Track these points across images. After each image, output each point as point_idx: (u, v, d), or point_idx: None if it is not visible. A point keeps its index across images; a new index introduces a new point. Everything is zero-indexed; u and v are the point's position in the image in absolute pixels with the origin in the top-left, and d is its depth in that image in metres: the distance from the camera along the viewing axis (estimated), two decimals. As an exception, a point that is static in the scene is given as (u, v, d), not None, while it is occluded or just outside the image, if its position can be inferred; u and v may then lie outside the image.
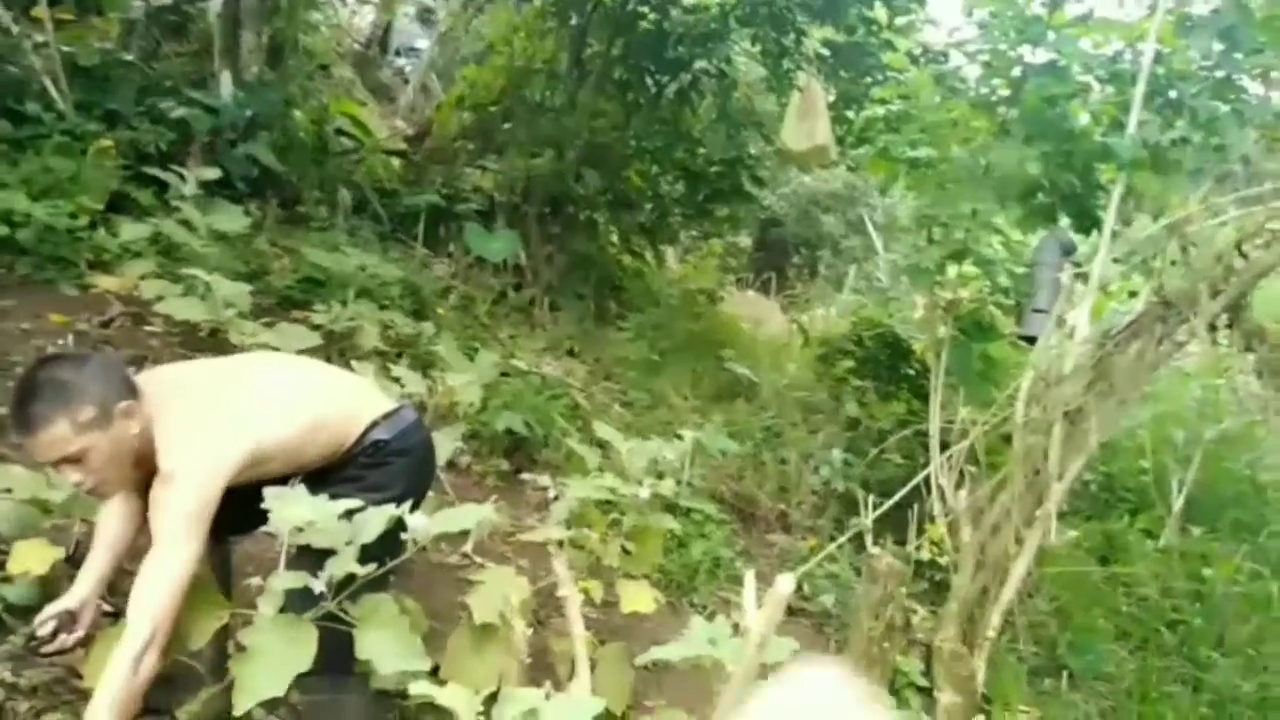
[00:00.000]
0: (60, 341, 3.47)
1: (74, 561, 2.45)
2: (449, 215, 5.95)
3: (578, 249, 6.40)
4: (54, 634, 2.10)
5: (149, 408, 1.95)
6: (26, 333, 3.50)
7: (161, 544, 1.85)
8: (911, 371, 5.44)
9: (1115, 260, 3.92)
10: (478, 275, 5.65)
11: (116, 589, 2.29)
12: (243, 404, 2.05)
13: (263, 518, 1.94)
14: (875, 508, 3.94)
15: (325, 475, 2.17)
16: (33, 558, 2.31)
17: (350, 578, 1.90)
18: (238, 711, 1.71)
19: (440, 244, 5.85)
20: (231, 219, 4.18)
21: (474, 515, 2.17)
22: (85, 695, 2.19)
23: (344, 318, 4.10)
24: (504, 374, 4.60)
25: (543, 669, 2.85)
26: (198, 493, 1.88)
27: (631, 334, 5.93)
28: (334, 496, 1.97)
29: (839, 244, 9.46)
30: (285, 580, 1.87)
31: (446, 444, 3.28)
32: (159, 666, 1.84)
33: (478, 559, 3.50)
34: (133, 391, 1.92)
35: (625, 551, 3.14)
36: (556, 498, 3.20)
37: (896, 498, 3.91)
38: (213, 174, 4.39)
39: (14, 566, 2.28)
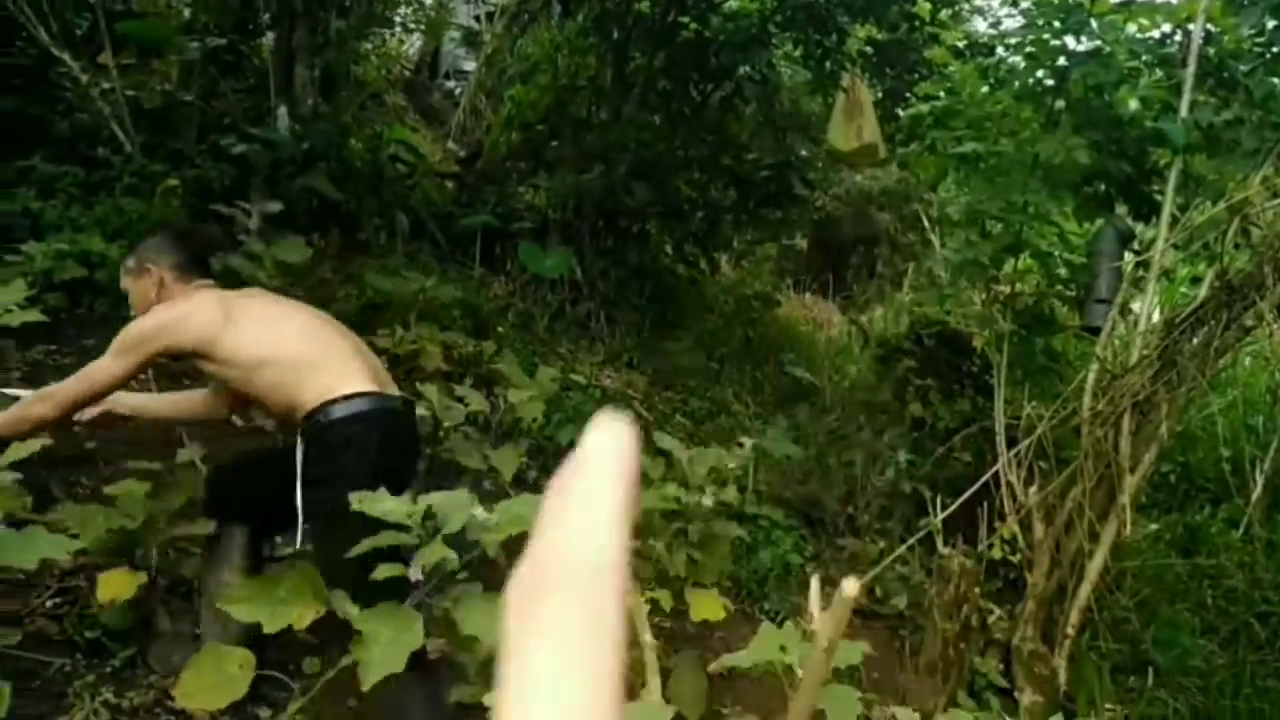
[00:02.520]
0: (141, 377, 3.60)
1: (156, 585, 2.55)
2: (504, 234, 6.04)
3: (631, 261, 6.44)
4: None
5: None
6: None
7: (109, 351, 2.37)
8: (974, 368, 5.37)
9: (1175, 246, 3.85)
10: (534, 292, 5.72)
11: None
12: (218, 324, 2.40)
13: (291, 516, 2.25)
14: (944, 507, 3.90)
15: (286, 461, 2.32)
16: (119, 585, 2.40)
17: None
18: (366, 686, 1.88)
19: (497, 263, 5.94)
20: (294, 250, 4.30)
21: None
22: (181, 715, 2.29)
23: (407, 340, 4.20)
24: (565, 388, 4.65)
25: (617, 679, 2.88)
26: (143, 335, 2.36)
27: (689, 343, 5.95)
28: (306, 490, 2.25)
29: (896, 241, 9.36)
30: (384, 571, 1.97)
31: (511, 460, 3.34)
32: (44, 424, 2.35)
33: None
34: (172, 267, 2.49)
35: (692, 560, 3.15)
36: (623, 509, 3.22)
37: (965, 496, 3.86)
38: (275, 207, 4.52)
39: (103, 595, 2.38)
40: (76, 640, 2.48)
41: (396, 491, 2.27)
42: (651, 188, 6.46)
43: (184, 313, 2.42)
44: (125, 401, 2.57)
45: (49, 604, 2.57)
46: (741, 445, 3.62)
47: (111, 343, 2.38)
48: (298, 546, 2.33)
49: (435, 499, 2.06)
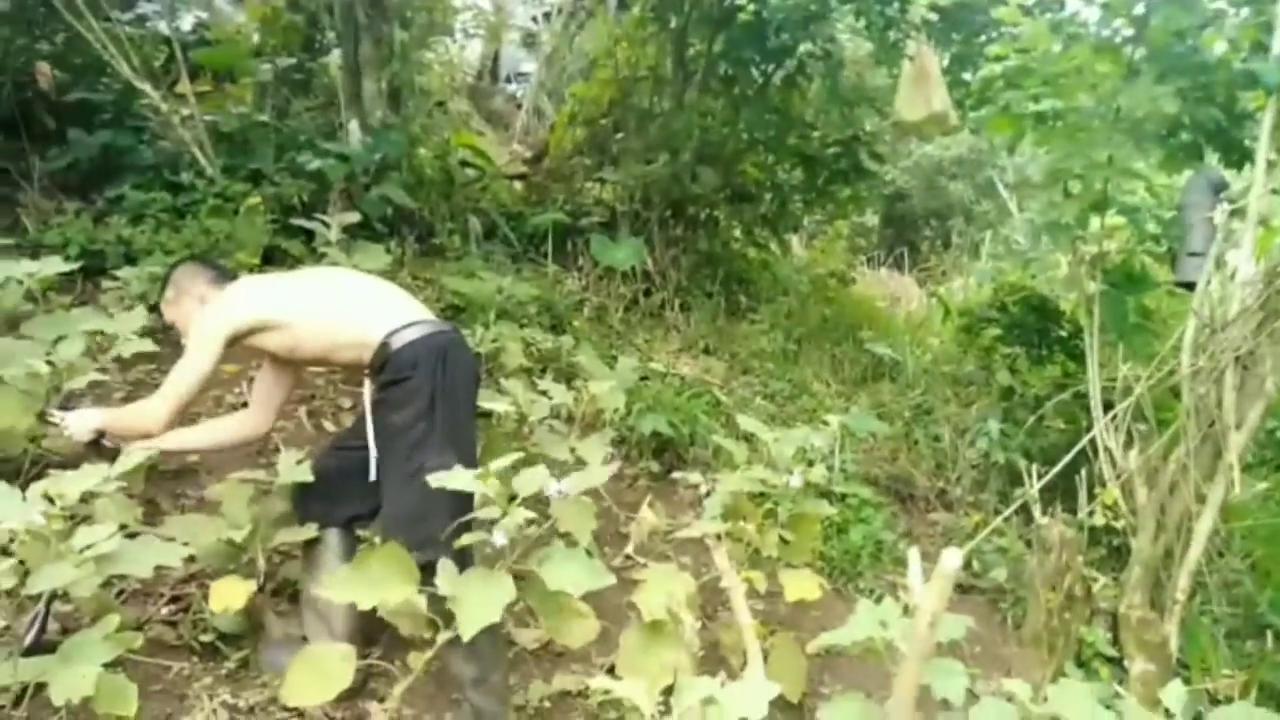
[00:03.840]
0: (237, 390, 3.73)
1: (265, 590, 2.64)
2: (574, 230, 6.08)
3: (701, 248, 6.43)
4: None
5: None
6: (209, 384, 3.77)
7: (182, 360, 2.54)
8: (1063, 332, 5.22)
9: (1275, 191, 3.67)
10: (608, 285, 5.75)
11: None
12: (268, 293, 2.60)
13: (378, 502, 2.44)
14: (1039, 476, 3.80)
15: (374, 401, 2.50)
16: (231, 594, 2.48)
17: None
18: (467, 636, 2.09)
19: (569, 259, 5.98)
20: (374, 258, 4.39)
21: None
22: (296, 713, 2.36)
23: (488, 339, 4.26)
24: (643, 378, 4.67)
25: (715, 662, 2.88)
26: (208, 333, 2.50)
27: (765, 326, 5.91)
28: (379, 425, 2.46)
29: (970, 210, 9.14)
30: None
31: (597, 450, 3.36)
32: (148, 436, 2.53)
33: (640, 559, 3.57)
34: (209, 281, 2.65)
35: (783, 541, 3.14)
36: (709, 493, 3.23)
37: (1062, 464, 3.76)
38: (353, 218, 4.62)
39: (215, 605, 2.45)
40: (192, 645, 2.58)
41: (464, 415, 2.56)
42: (718, 173, 6.43)
43: (236, 295, 2.60)
44: (169, 438, 2.61)
45: (164, 611, 2.68)
46: (826, 424, 3.58)
47: (185, 350, 2.55)
48: (372, 479, 2.49)
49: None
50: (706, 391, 4.87)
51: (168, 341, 3.94)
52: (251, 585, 2.50)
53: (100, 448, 2.57)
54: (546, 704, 2.72)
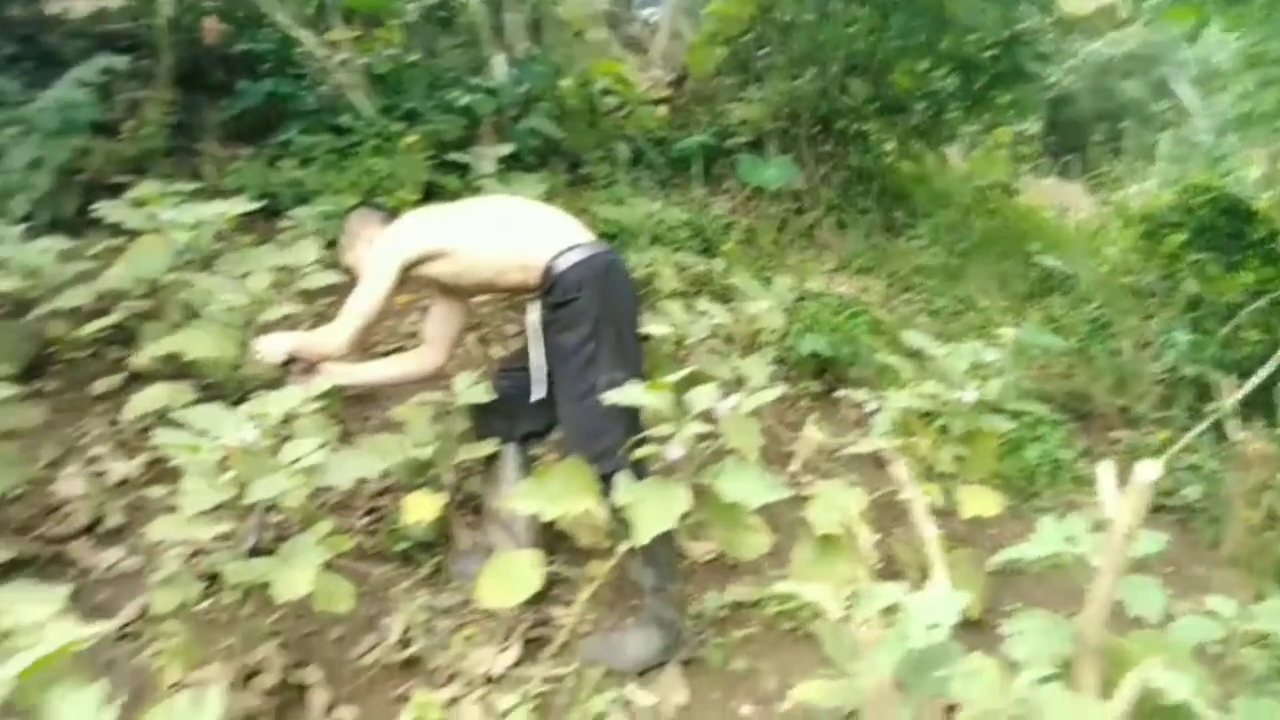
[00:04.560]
0: (410, 320, 3.89)
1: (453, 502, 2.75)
2: (721, 152, 5.98)
3: (853, 164, 6.22)
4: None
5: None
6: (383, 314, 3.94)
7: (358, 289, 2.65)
8: (1258, 236, 4.80)
9: None
10: (758, 206, 5.65)
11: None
12: (434, 222, 2.70)
13: (553, 419, 2.56)
14: (1234, 390, 3.55)
15: (545, 323, 2.55)
16: (423, 507, 2.61)
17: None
18: (642, 541, 2.15)
19: (717, 181, 5.90)
20: (529, 188, 4.43)
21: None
22: (487, 614, 2.48)
23: (641, 264, 4.27)
24: (799, 298, 4.59)
25: (890, 576, 2.84)
26: (381, 263, 2.59)
27: (924, 241, 5.69)
28: (549, 346, 2.52)
29: (1145, 110, 8.47)
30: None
31: (759, 369, 3.33)
32: (329, 357, 2.66)
33: (806, 477, 3.54)
34: (380, 223, 2.78)
35: (958, 458, 3.04)
36: (876, 410, 3.15)
37: (1260, 376, 3.50)
38: (506, 149, 4.69)
39: (408, 517, 2.60)
40: (388, 553, 2.74)
41: (629, 333, 2.60)
42: (867, 84, 6.18)
43: (405, 227, 2.70)
44: (339, 371, 2.71)
45: (362, 522, 2.85)
46: (998, 337, 3.43)
47: (360, 281, 2.66)
48: (532, 399, 2.58)
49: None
50: (865, 311, 4.74)
51: (342, 272, 4.14)
52: (441, 498, 2.63)
53: (289, 372, 2.73)
54: (722, 613, 2.75)
